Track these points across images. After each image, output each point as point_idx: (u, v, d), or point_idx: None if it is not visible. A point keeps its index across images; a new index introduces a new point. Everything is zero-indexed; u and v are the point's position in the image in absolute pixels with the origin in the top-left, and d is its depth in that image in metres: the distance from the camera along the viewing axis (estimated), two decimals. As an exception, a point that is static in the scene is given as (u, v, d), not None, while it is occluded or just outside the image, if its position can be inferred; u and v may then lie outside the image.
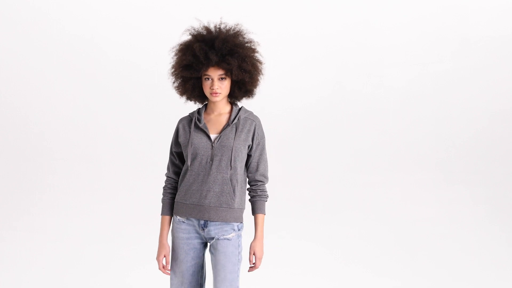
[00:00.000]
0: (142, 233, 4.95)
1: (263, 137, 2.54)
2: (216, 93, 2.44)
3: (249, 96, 2.56)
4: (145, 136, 5.61)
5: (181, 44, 2.53)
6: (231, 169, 2.44)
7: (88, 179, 5.48)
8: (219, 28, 2.47)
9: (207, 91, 2.46)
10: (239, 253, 2.49)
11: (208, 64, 2.40)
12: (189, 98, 2.59)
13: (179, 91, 2.59)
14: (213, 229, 2.47)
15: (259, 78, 2.52)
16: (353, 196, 5.48)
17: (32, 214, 5.21)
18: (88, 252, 4.58)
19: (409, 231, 5.09)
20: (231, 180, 2.45)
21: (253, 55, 2.48)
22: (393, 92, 5.74)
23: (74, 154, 5.56)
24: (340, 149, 5.69)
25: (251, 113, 2.55)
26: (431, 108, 5.77)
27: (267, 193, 2.55)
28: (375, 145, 5.70)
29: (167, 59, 5.73)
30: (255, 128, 2.50)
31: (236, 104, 2.57)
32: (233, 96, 2.53)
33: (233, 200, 2.45)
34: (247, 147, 2.48)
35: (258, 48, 2.53)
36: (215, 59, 2.39)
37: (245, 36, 2.48)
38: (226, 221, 2.46)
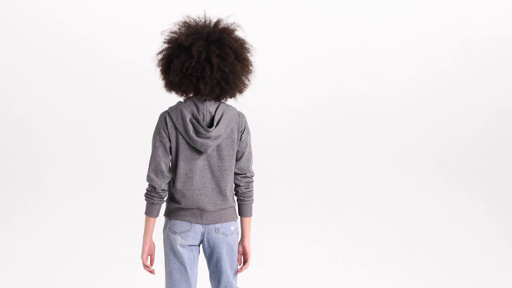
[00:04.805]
0: (142, 233, 4.94)
1: None
2: None
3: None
4: (145, 136, 5.57)
5: None
6: None
7: (88, 179, 5.48)
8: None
9: None
10: None
11: None
12: None
13: None
14: None
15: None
16: (353, 196, 5.48)
17: (31, 214, 5.21)
18: (87, 252, 4.57)
19: (409, 231, 5.08)
20: None
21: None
22: (393, 92, 5.74)
23: (74, 154, 5.56)
24: (340, 149, 5.69)
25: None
26: (431, 108, 5.77)
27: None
28: (375, 145, 5.70)
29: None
30: None
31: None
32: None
33: None
34: None
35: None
36: None
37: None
38: None
